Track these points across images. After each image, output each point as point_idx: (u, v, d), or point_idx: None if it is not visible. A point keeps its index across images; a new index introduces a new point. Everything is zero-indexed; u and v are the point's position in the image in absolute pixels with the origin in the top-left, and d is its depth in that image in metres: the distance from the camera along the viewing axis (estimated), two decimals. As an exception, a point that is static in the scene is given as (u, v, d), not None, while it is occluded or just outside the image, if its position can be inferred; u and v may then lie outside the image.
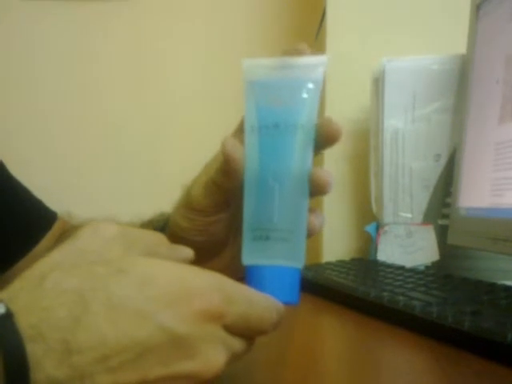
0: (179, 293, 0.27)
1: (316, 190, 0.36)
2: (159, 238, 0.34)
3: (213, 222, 0.42)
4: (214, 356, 0.27)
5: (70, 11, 1.19)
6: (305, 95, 0.36)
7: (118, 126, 1.21)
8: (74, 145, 1.21)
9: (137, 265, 0.28)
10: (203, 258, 0.29)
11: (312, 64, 0.37)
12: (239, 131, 0.39)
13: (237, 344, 0.29)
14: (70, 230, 0.30)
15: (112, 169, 1.21)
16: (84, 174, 1.21)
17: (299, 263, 0.35)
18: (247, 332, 0.30)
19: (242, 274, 0.36)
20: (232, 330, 0.29)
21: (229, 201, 0.41)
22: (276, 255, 0.35)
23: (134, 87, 1.21)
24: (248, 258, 0.36)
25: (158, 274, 0.27)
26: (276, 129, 0.35)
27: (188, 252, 0.34)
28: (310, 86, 0.36)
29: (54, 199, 0.65)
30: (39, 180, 0.79)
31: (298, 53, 0.37)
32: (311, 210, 0.37)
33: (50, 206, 0.65)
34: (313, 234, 0.37)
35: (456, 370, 0.38)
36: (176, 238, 0.42)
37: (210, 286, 0.28)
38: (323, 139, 0.36)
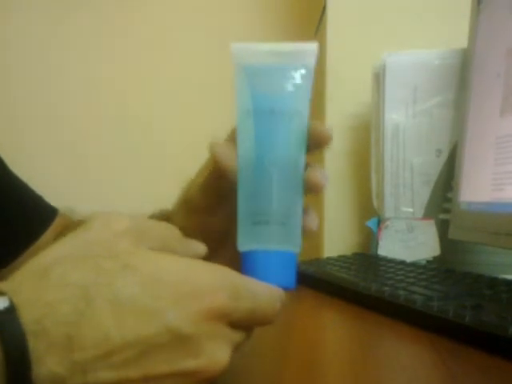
0: (186, 291, 0.27)
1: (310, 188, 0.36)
2: (172, 231, 0.33)
3: (211, 221, 0.42)
4: (219, 354, 0.27)
5: (77, 5, 1.19)
6: (299, 81, 0.36)
7: (120, 122, 1.21)
8: (77, 141, 1.21)
9: (144, 260, 0.28)
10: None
11: (304, 50, 0.37)
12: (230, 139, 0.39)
13: (239, 336, 0.29)
14: (71, 226, 0.30)
15: (113, 165, 1.21)
16: (86, 170, 1.21)
17: (296, 247, 0.35)
18: (251, 325, 0.30)
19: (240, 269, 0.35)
20: (236, 324, 0.29)
21: (226, 199, 0.40)
22: (274, 240, 0.34)
23: (133, 85, 1.21)
24: (245, 243, 0.35)
25: (165, 272, 0.27)
26: (272, 114, 0.35)
27: (202, 248, 0.34)
28: (304, 72, 0.37)
29: (56, 195, 0.65)
30: (42, 176, 0.79)
31: None
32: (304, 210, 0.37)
33: (52, 201, 0.65)
34: (311, 233, 0.37)
35: (457, 363, 0.38)
36: None
37: (217, 284, 0.28)
38: (314, 141, 0.36)
